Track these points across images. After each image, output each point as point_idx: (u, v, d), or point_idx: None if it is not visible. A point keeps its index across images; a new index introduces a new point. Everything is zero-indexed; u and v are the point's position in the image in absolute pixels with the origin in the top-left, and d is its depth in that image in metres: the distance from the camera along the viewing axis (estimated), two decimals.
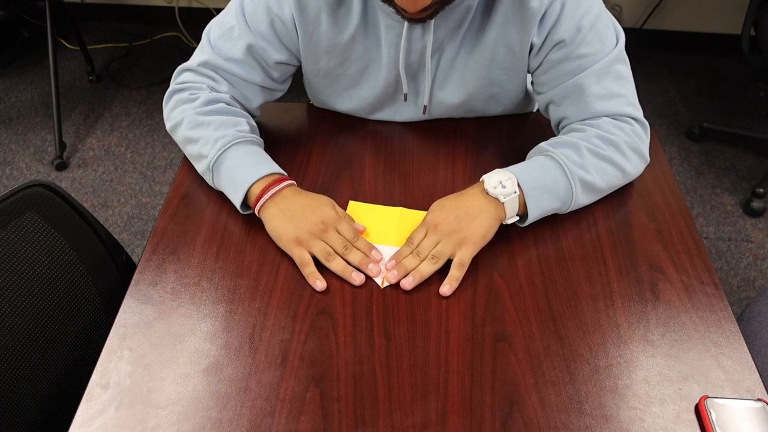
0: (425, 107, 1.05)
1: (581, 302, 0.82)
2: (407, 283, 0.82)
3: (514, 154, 1.04)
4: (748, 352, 0.77)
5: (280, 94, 1.06)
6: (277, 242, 0.87)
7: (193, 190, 0.97)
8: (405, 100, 1.04)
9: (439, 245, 0.84)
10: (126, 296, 0.82)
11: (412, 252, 0.85)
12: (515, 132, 1.09)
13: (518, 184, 0.87)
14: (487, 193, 0.87)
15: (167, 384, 0.73)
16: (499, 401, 0.72)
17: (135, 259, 1.04)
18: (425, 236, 0.86)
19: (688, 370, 0.75)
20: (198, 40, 1.02)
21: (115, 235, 1.01)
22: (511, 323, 0.80)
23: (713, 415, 0.70)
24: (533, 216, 0.88)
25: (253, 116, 1.03)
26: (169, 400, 0.71)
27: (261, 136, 0.98)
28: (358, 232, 0.89)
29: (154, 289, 0.83)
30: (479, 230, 0.85)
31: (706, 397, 0.72)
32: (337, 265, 0.84)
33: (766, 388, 0.74)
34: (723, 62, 2.73)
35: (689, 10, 2.68)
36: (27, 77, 2.60)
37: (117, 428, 0.69)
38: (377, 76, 1.01)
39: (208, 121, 0.93)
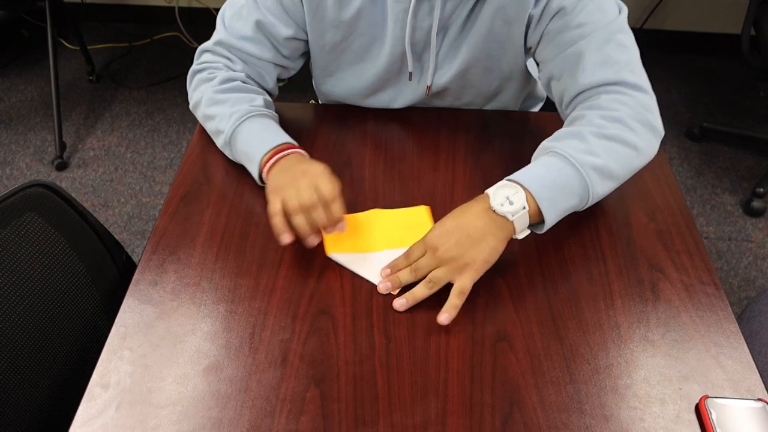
0: (428, 87, 1.05)
1: (581, 302, 0.82)
2: (399, 305, 0.80)
3: (514, 154, 1.04)
4: (748, 352, 0.77)
5: (293, 71, 1.08)
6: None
7: (193, 190, 0.97)
8: (410, 79, 1.05)
9: (437, 271, 0.79)
10: (126, 296, 0.82)
11: (408, 266, 0.82)
12: (516, 132, 1.09)
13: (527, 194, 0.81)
14: (494, 211, 0.80)
15: (167, 384, 0.73)
16: (499, 401, 0.72)
17: (135, 259, 1.04)
18: (424, 254, 0.81)
19: (688, 370, 0.75)
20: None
21: (115, 235, 1.01)
22: (511, 323, 0.80)
23: (713, 415, 0.70)
24: (550, 220, 0.82)
25: (271, 95, 1.06)
26: (169, 400, 0.71)
27: None
28: (338, 196, 0.85)
29: (154, 289, 0.83)
30: (481, 255, 0.79)
31: (707, 396, 0.72)
32: (297, 221, 0.83)
33: (766, 388, 0.74)
34: (723, 62, 2.73)
35: (689, 10, 2.68)
36: (27, 77, 2.60)
37: (117, 428, 0.69)
38: (382, 52, 1.02)
39: (224, 99, 0.97)
